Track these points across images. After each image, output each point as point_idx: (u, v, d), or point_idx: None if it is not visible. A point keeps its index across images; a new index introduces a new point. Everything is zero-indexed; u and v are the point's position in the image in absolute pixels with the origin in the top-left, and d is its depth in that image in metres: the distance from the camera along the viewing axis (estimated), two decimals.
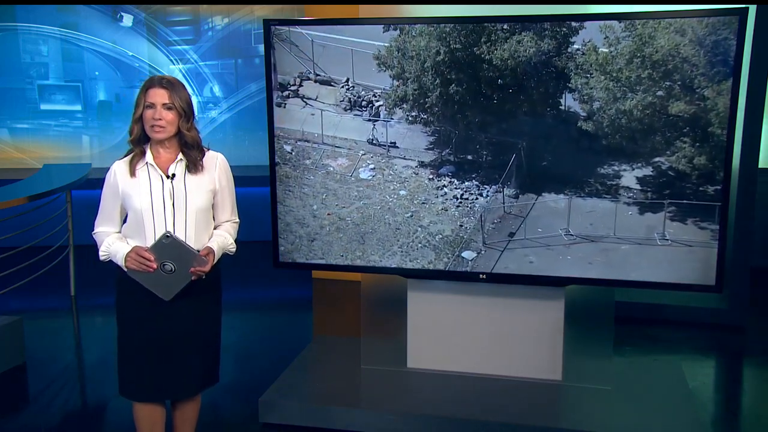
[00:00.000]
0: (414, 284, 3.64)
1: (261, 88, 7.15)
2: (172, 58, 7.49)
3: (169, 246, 2.51)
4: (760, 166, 4.64)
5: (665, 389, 3.57)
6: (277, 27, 3.38)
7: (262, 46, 3.35)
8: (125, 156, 2.67)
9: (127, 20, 7.40)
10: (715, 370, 4.36)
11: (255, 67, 7.45)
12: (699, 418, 3.34)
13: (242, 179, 6.87)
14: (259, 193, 6.63)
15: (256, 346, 4.68)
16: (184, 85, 2.65)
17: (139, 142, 2.63)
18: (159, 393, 2.77)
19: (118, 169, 2.64)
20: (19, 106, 7.50)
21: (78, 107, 7.52)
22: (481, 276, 3.40)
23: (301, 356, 4.00)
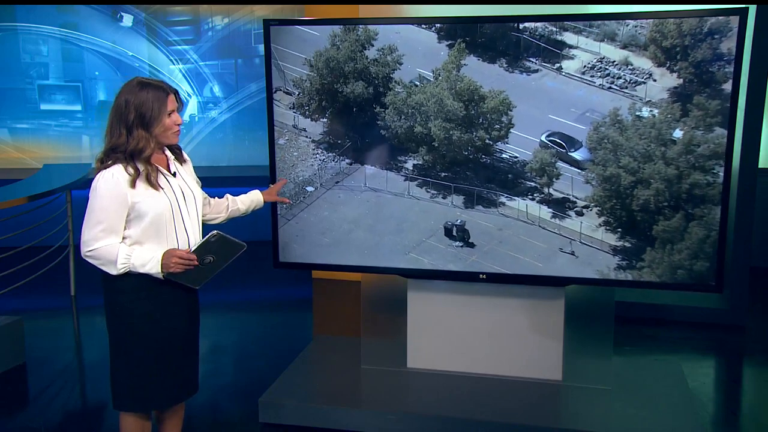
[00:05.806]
0: (414, 284, 3.65)
1: (261, 88, 7.15)
2: (172, 58, 7.48)
3: (214, 244, 2.49)
4: (760, 166, 4.64)
5: (665, 389, 3.57)
6: (276, 27, 3.42)
7: (262, 46, 3.38)
8: (109, 165, 2.43)
9: (127, 20, 7.39)
10: (715, 370, 4.36)
11: (255, 67, 7.45)
12: (699, 418, 3.34)
13: (242, 179, 6.98)
14: None
15: (256, 346, 4.68)
16: None
17: (126, 158, 2.44)
18: (179, 395, 2.70)
19: (121, 177, 2.41)
20: (19, 106, 7.49)
21: (78, 107, 7.52)
22: (481, 276, 3.41)
23: (301, 356, 4.01)
